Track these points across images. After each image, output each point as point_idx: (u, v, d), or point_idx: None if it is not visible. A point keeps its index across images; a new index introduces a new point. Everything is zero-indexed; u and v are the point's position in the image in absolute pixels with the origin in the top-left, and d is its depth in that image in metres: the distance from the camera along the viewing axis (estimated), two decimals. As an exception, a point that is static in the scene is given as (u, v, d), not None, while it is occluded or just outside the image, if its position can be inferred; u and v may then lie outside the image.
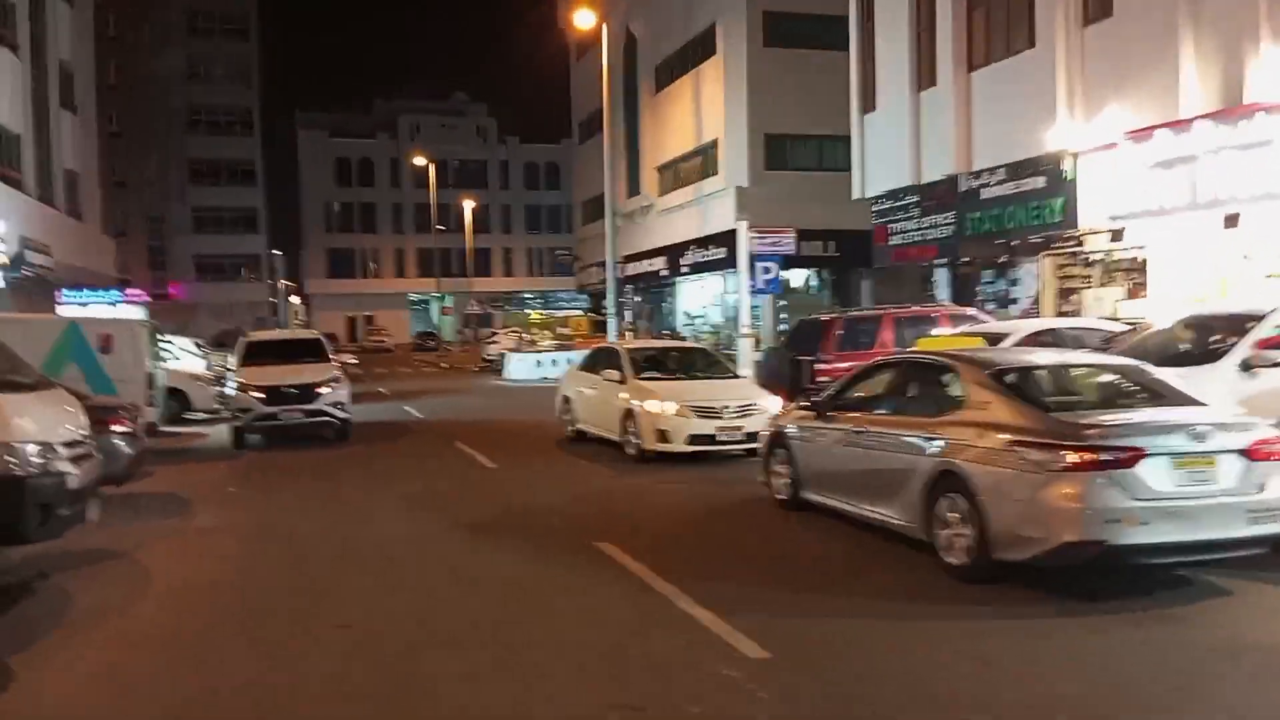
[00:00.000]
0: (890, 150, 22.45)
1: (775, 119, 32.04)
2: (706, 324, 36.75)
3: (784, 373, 15.20)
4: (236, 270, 76.64)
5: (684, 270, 36.11)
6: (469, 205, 65.81)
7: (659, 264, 38.56)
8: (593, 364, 15.25)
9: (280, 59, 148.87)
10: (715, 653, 5.62)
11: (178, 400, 20.68)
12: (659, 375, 14.05)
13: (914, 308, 16.51)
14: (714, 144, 34.26)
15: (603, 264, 44.37)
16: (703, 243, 34.16)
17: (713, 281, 35.98)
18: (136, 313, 49.94)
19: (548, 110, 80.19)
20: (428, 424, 19.59)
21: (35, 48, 31.75)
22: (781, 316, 33.83)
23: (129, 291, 55.73)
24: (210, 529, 9.77)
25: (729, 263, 32.66)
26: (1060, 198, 17.77)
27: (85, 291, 46.31)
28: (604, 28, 31.00)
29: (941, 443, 7.19)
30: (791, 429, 9.43)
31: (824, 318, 15.72)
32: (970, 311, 16.47)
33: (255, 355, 16.92)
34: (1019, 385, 7.24)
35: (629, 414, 13.27)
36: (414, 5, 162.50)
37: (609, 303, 33.38)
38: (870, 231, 25.09)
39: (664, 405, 12.80)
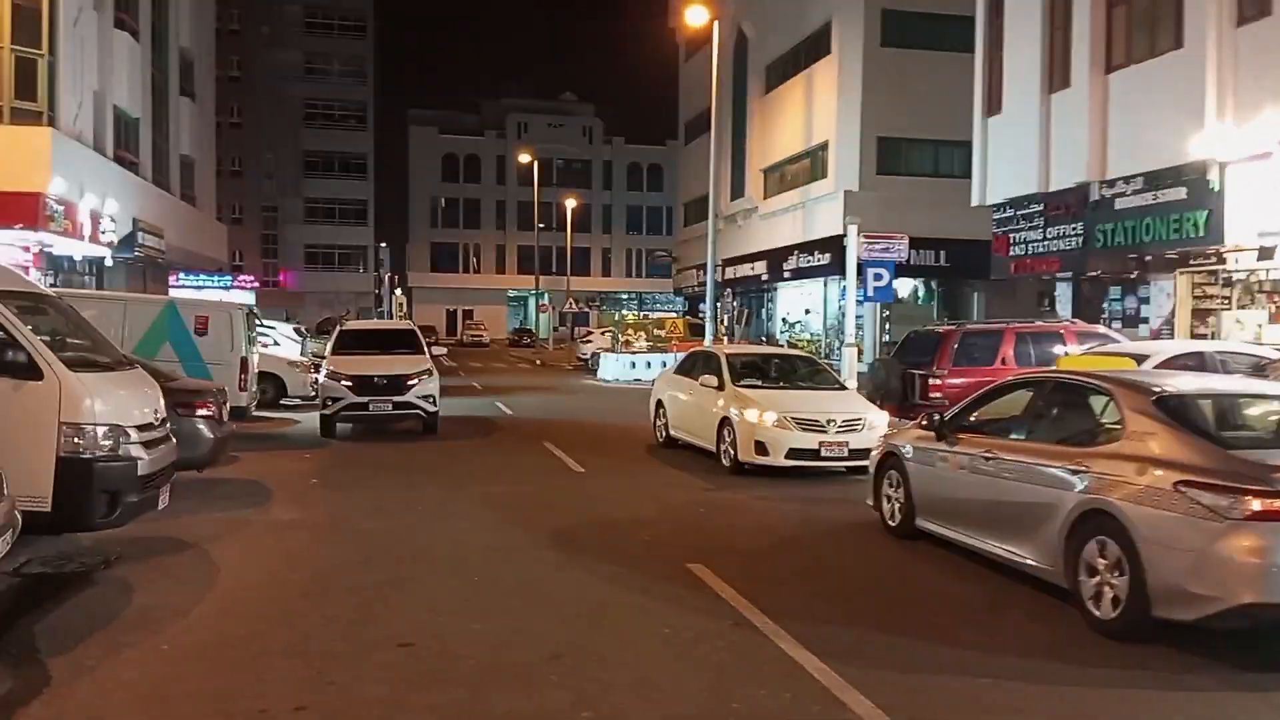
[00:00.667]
0: (1015, 155, 21.14)
1: (889, 122, 30.87)
2: (805, 331, 35.69)
3: (892, 386, 14.24)
4: (344, 260, 78.33)
5: (785, 275, 35.11)
6: (571, 204, 65.83)
7: (759, 268, 37.64)
8: (689, 368, 14.54)
9: (395, 56, 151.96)
10: (824, 709, 4.85)
11: (273, 385, 20.80)
12: (759, 383, 13.26)
13: (1039, 323, 15.35)
14: (824, 146, 33.21)
15: (702, 266, 43.59)
16: (807, 248, 33.13)
17: (814, 288, 34.92)
18: (246, 298, 51.44)
19: (653, 112, 79.70)
20: (518, 421, 19.16)
21: (156, 34, 32.57)
22: (886, 327, 32.56)
23: (240, 277, 57.43)
24: (285, 523, 9.37)
25: (833, 269, 31.55)
26: (1204, 211, 16.32)
27: (201, 276, 47.69)
28: (715, 26, 30.28)
29: (1091, 477, 6.26)
30: (907, 449, 8.56)
31: (940, 329, 14.68)
32: (1100, 329, 15.22)
33: (348, 344, 16.70)
34: (1188, 415, 6.24)
35: (725, 423, 12.52)
36: (527, 7, 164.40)
37: (707, 306, 32.62)
38: (986, 241, 23.79)
39: (763, 415, 12.02)
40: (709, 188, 30.02)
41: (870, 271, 16.73)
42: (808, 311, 35.35)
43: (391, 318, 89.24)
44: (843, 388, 13.26)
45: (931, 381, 14.04)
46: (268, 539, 8.69)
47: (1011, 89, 21.52)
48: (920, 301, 33.52)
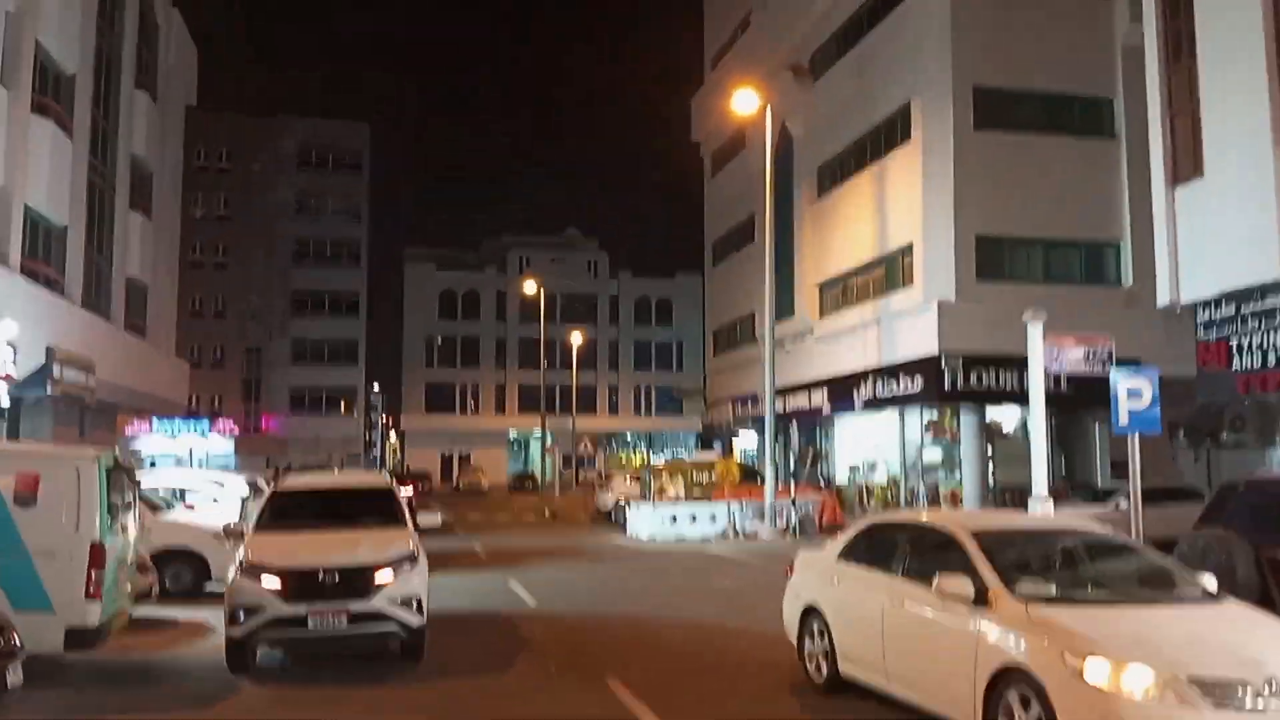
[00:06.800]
0: (1233, 231, 15.35)
1: (989, 218, 25.28)
2: (885, 472, 29.27)
3: (1241, 579, 7.82)
4: (333, 404, 72.60)
5: (858, 406, 28.86)
6: (577, 339, 60.35)
7: (818, 398, 31.45)
8: (878, 553, 8.06)
9: (390, 193, 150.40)
10: None
11: (191, 567, 14.54)
12: (1058, 592, 6.83)
13: None
14: (907, 250, 27.47)
15: (738, 399, 37.58)
16: (889, 372, 27.03)
17: (887, 421, 28.74)
18: (224, 445, 44.98)
19: (661, 245, 75.56)
20: (547, 622, 12.53)
21: (98, 133, 27.29)
22: (991, 471, 26.19)
23: (219, 423, 51.75)
24: None
25: (926, 396, 25.48)
26: None
27: (176, 421, 41.44)
28: (767, 112, 25.25)
29: None
30: None
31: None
32: None
33: (282, 515, 10.35)
34: None
35: (1013, 677, 6.08)
36: (530, 142, 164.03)
37: (763, 444, 26.46)
38: (1126, 360, 17.69)
39: (1124, 671, 5.58)
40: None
41: (1123, 388, 10.41)
42: (886, 451, 28.94)
43: (383, 465, 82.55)
44: (1212, 595, 6.83)
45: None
46: None
47: (1218, 142, 15.83)
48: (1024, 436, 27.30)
